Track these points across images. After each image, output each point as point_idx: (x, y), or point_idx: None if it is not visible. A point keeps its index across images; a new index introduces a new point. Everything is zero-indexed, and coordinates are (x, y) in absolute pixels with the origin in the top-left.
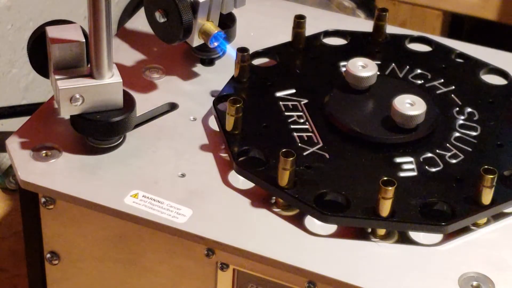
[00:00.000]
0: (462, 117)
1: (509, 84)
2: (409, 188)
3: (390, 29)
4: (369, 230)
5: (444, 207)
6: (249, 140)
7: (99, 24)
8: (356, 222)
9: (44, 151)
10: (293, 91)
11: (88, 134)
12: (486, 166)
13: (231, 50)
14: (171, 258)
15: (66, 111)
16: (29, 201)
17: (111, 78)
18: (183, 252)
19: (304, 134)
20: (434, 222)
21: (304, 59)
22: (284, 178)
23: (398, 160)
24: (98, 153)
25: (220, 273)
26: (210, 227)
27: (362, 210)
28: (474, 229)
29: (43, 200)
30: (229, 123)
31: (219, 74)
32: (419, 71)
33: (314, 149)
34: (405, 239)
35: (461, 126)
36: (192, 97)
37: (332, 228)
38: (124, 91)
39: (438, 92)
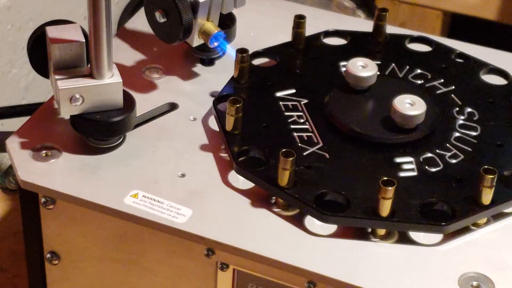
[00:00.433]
0: (462, 117)
1: (509, 84)
2: (409, 188)
3: (390, 29)
4: (369, 230)
5: (444, 207)
6: (249, 140)
7: (99, 24)
8: (356, 222)
9: (44, 151)
10: (293, 91)
11: (88, 134)
12: (486, 166)
13: (231, 50)
14: (171, 258)
15: (66, 111)
16: (29, 201)
17: (111, 78)
18: (183, 252)
19: (304, 134)
20: (434, 222)
21: (304, 59)
22: (284, 178)
23: (398, 160)
24: (98, 153)
25: (220, 273)
26: (210, 227)
27: (362, 210)
28: (474, 229)
29: (43, 200)
30: (229, 123)
31: (219, 74)
32: (419, 71)
33: (314, 149)
34: (405, 239)
35: (461, 126)
36: (192, 97)
37: (332, 228)
38: (124, 91)
39: (438, 92)
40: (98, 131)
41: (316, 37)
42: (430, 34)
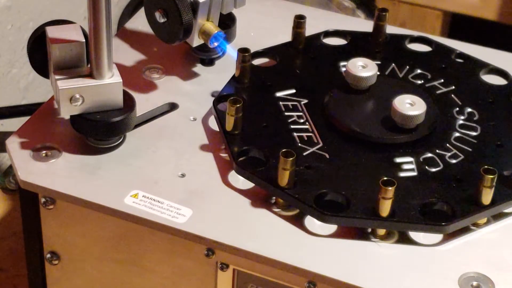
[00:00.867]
0: (462, 117)
1: (509, 84)
2: (409, 188)
3: (390, 29)
4: (369, 230)
5: (444, 207)
6: (249, 140)
7: (99, 24)
8: (356, 222)
9: (44, 151)
10: (293, 91)
11: (88, 134)
12: (486, 166)
13: (231, 50)
14: (171, 258)
15: (66, 111)
16: (29, 201)
17: (111, 78)
18: (183, 252)
19: (304, 134)
20: (434, 222)
21: (304, 59)
22: (284, 178)
23: (398, 160)
24: (98, 153)
25: (220, 273)
26: (210, 227)
27: (362, 210)
28: (474, 229)
29: (43, 200)
30: (229, 123)
31: (219, 74)
32: (419, 71)
33: (314, 149)
34: (405, 239)
35: (461, 126)
36: (192, 97)
37: (332, 228)
38: (124, 91)
39: (438, 92)
40: (98, 131)
41: (316, 37)
42: (430, 34)
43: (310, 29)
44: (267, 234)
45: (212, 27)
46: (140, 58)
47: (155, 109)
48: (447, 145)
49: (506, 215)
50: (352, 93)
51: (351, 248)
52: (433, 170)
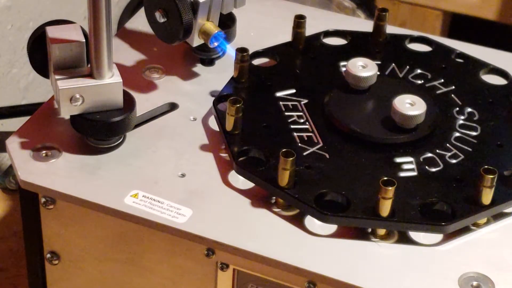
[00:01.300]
0: (462, 117)
1: (509, 84)
2: (409, 188)
3: (390, 29)
4: (369, 230)
5: (444, 207)
6: (249, 140)
7: (99, 24)
8: (357, 222)
9: (44, 151)
10: (293, 91)
11: (88, 134)
12: (486, 166)
13: (231, 50)
14: (171, 258)
15: (66, 111)
16: (29, 201)
17: (111, 78)
18: (183, 252)
19: (304, 134)
20: (434, 222)
21: (304, 59)
22: (284, 178)
23: (398, 160)
24: (98, 153)
25: (220, 273)
26: (210, 227)
27: (362, 210)
28: (474, 229)
29: (43, 200)
30: (229, 123)
31: (219, 74)
32: (419, 71)
33: (314, 149)
34: (405, 239)
35: (461, 126)
36: (192, 97)
37: (332, 228)
38: (124, 91)
39: (438, 92)
40: (98, 131)
41: (316, 37)
42: (430, 34)
43: (310, 29)
44: (267, 234)
45: (212, 27)
46: (140, 58)
47: (155, 109)
48: (447, 145)
49: (506, 215)
50: (352, 93)
51: (351, 248)
52: (433, 170)
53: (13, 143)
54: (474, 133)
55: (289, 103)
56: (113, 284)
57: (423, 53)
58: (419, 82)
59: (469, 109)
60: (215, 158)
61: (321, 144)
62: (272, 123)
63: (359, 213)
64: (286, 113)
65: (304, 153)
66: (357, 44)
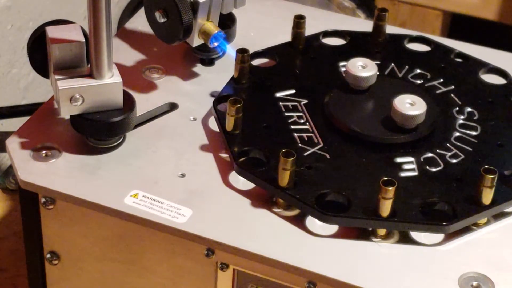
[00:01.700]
0: (462, 117)
1: (508, 84)
2: (409, 188)
3: (390, 29)
4: (370, 229)
5: (445, 207)
6: (250, 140)
7: (99, 24)
8: (357, 222)
9: (44, 151)
10: (293, 91)
11: (88, 134)
12: (486, 166)
13: (231, 50)
14: (171, 258)
15: (66, 111)
16: (29, 201)
17: (111, 78)
18: (183, 252)
19: (304, 135)
20: (435, 222)
21: (304, 59)
22: (284, 178)
23: (399, 160)
24: (98, 153)
25: (220, 273)
26: (210, 227)
27: (363, 210)
28: (475, 229)
29: (43, 200)
30: (229, 124)
31: (219, 74)
32: (418, 71)
33: (314, 149)
34: (405, 239)
35: (461, 125)
36: (192, 97)
37: (333, 228)
38: (124, 91)
39: (438, 91)
40: (98, 131)
41: (316, 37)
42: (430, 34)
43: (310, 29)
44: (267, 234)
45: (212, 27)
46: (140, 58)
47: (155, 109)
48: (448, 144)
49: (506, 214)
50: (352, 93)
51: (351, 248)
52: (434, 170)
53: (13, 143)
54: (474, 133)
55: (289, 103)
56: (113, 284)
57: (423, 53)
58: (419, 82)
59: (469, 109)
60: (215, 158)
61: (321, 145)
62: (272, 124)
63: (360, 213)
64: (286, 114)
65: (305, 154)
66: (357, 44)
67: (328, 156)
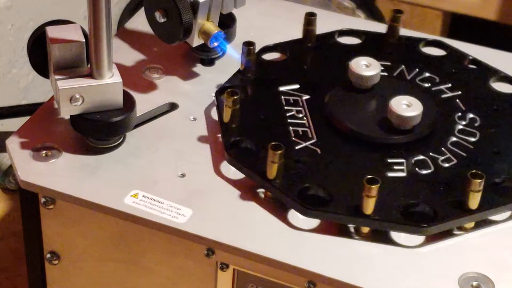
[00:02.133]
0: (463, 122)
1: None
2: (394, 189)
3: (408, 32)
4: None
5: (426, 208)
6: (244, 131)
7: (99, 24)
8: (337, 217)
9: (44, 151)
10: (297, 86)
11: (88, 134)
12: (474, 171)
13: (231, 50)
14: (171, 258)
15: (66, 111)
16: (29, 201)
17: (111, 78)
18: (183, 252)
19: (300, 129)
20: (414, 223)
21: (313, 56)
22: (272, 171)
23: (390, 160)
24: (98, 153)
25: (220, 273)
26: (210, 227)
27: (345, 207)
28: (475, 229)
29: (43, 200)
30: (226, 115)
31: (219, 74)
32: (427, 74)
33: (307, 143)
34: (386, 239)
35: (460, 131)
36: (192, 97)
37: (313, 222)
38: (124, 91)
39: (443, 96)
40: (98, 131)
41: (329, 35)
42: (430, 34)
43: None
44: (267, 234)
45: (212, 27)
46: (140, 58)
47: (155, 109)
48: (442, 149)
49: (492, 223)
50: (354, 92)
51: (351, 248)
52: (424, 172)
53: (13, 143)
54: (472, 139)
55: (291, 97)
56: (113, 284)
57: (436, 57)
58: (426, 85)
59: (471, 115)
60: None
61: (315, 140)
62: (270, 116)
63: (340, 209)
64: (286, 107)
65: (296, 147)
66: (370, 44)
67: (319, 151)
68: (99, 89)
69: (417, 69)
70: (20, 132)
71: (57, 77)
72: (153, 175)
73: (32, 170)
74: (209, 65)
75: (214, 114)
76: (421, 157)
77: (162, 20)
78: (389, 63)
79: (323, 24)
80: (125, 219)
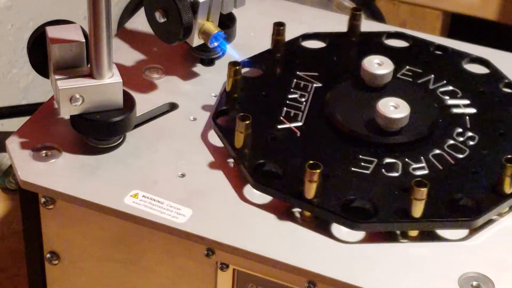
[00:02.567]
0: (461, 139)
1: None
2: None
3: (446, 41)
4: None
5: (366, 205)
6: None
7: (99, 24)
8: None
9: (44, 151)
10: (316, 74)
11: (88, 134)
12: (417, 178)
13: (231, 50)
14: (171, 258)
15: (66, 111)
16: (29, 201)
17: (111, 78)
18: (183, 252)
19: (293, 111)
20: (350, 217)
21: (354, 51)
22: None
23: (361, 156)
24: (98, 153)
25: (220, 273)
26: (210, 227)
27: (288, 186)
28: (475, 229)
29: (43, 200)
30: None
31: (219, 74)
32: (450, 87)
33: (290, 125)
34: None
35: (450, 146)
36: (192, 97)
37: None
38: (124, 91)
39: (455, 110)
40: (98, 131)
41: (377, 35)
42: (430, 34)
43: (309, 29)
44: (267, 234)
45: (212, 27)
46: (140, 58)
47: (155, 109)
48: (421, 157)
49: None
50: (363, 90)
51: (351, 248)
52: (390, 175)
53: (13, 143)
54: (460, 156)
55: (303, 82)
56: (113, 284)
57: (476, 75)
58: (446, 97)
59: (470, 134)
60: (215, 158)
61: (300, 124)
62: (272, 93)
63: (285, 186)
64: (293, 90)
65: (279, 126)
66: (417, 50)
67: (298, 134)
68: (99, 89)
69: (444, 81)
70: (20, 132)
71: (57, 77)
72: (153, 175)
73: (32, 170)
74: (209, 65)
75: None
76: (392, 160)
77: (162, 20)
78: (420, 71)
79: (323, 24)
80: (125, 219)
